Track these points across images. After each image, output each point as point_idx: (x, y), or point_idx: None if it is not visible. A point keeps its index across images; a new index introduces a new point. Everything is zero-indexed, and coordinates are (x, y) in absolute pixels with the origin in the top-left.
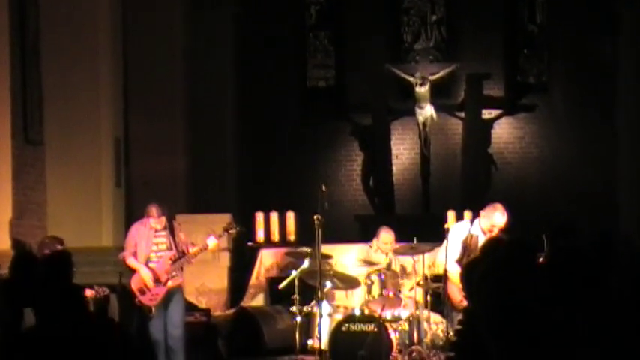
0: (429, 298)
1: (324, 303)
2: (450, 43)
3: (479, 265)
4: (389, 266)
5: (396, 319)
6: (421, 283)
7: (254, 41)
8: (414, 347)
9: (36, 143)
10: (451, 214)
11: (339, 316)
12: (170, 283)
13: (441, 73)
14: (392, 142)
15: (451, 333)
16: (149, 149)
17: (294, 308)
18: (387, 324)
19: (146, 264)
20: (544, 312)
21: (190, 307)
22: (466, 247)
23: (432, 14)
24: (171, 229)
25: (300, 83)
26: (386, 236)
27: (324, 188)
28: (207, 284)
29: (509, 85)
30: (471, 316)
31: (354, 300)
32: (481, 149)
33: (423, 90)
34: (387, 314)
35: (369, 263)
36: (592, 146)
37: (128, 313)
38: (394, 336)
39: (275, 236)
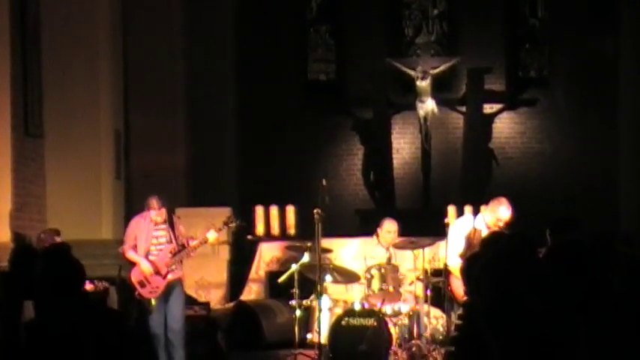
0: (429, 292)
1: (324, 297)
2: (451, 37)
3: (479, 259)
4: (389, 261)
5: (396, 314)
6: (421, 277)
7: (255, 34)
8: (413, 342)
9: (36, 136)
10: (451, 209)
11: (338, 311)
12: (170, 277)
13: (442, 68)
14: (392, 137)
15: (452, 328)
16: (149, 142)
17: (293, 302)
18: (387, 318)
19: (146, 257)
20: (544, 306)
21: (190, 301)
22: (469, 241)
23: (433, 8)
24: (170, 223)
25: (300, 77)
26: (389, 225)
27: (324, 182)
28: (206, 278)
29: (510, 79)
30: (471, 310)
31: (353, 294)
32: (482, 144)
33: (424, 84)
34: (387, 309)
35: (367, 259)
36: (593, 140)
37: (127, 307)
38: (394, 330)
39: (275, 230)
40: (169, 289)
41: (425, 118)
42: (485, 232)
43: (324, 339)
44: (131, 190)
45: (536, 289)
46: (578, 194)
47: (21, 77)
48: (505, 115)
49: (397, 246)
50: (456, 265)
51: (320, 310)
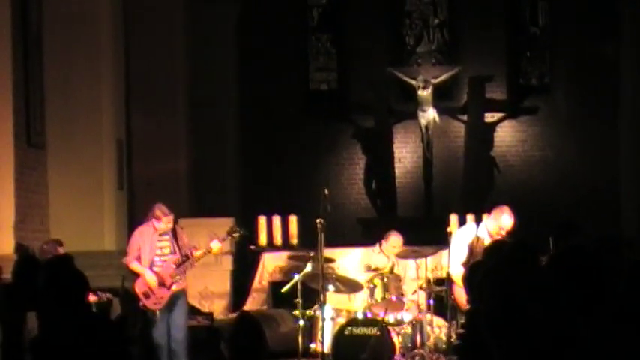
0: (431, 301)
1: (327, 306)
2: (452, 46)
3: (482, 268)
4: (391, 270)
5: (399, 323)
6: (424, 286)
7: (256, 44)
8: (416, 351)
9: (38, 146)
10: (454, 217)
11: (341, 320)
12: (174, 287)
13: (443, 77)
14: (394, 145)
15: (454, 336)
16: (151, 152)
17: (296, 312)
18: (390, 327)
19: (150, 268)
20: (546, 313)
21: (193, 311)
22: (472, 250)
23: (434, 17)
24: (174, 233)
25: (302, 86)
26: (395, 240)
27: (326, 191)
28: (209, 288)
29: (511, 87)
30: (474, 318)
31: (356, 303)
32: (484, 152)
33: (425, 93)
34: (390, 317)
35: (374, 269)
36: (594, 147)
37: (131, 317)
38: (397, 339)
39: (277, 240)
40: (173, 299)
41: (426, 127)
42: (487, 241)
43: (327, 348)
44: (134, 199)
45: (538, 297)
46: (580, 200)
47: (23, 87)
48: (506, 123)
49: (400, 255)
50: (458, 273)
51: (323, 320)
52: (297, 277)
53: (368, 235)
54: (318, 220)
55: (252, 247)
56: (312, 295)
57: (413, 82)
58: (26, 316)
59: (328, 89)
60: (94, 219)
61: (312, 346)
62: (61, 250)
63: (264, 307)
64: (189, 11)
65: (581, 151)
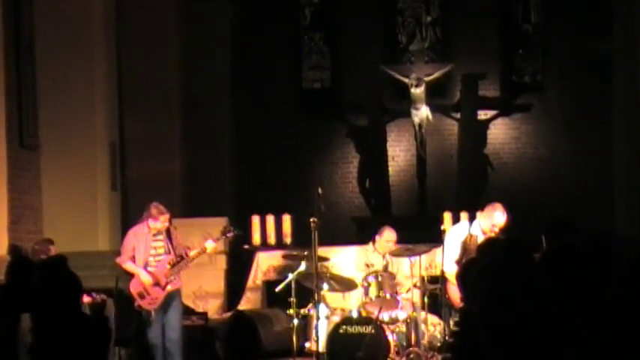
0: (426, 299)
1: (321, 305)
2: (444, 44)
3: (475, 265)
4: (385, 268)
5: (394, 321)
6: (418, 284)
7: (249, 43)
8: (411, 349)
9: (31, 148)
10: (447, 215)
11: (336, 319)
12: (169, 288)
13: (436, 74)
14: (388, 144)
15: (448, 334)
16: (145, 153)
17: (291, 311)
18: (385, 326)
19: (144, 268)
20: (539, 311)
21: (187, 311)
22: (466, 247)
23: (426, 15)
24: (168, 233)
25: (295, 85)
26: (389, 234)
27: (320, 190)
28: (204, 288)
29: (504, 84)
30: (467, 316)
31: (351, 302)
32: (477, 150)
33: (418, 91)
34: (385, 316)
35: (368, 267)
36: (588, 144)
37: (125, 318)
38: (391, 338)
39: (271, 239)
40: (168, 299)
41: (420, 125)
42: (481, 238)
43: (322, 347)
44: (127, 200)
45: (531, 295)
46: (573, 198)
47: (15, 89)
48: (500, 120)
49: (394, 253)
50: (452, 271)
51: (318, 319)
52: (291, 276)
53: (362, 233)
54: (312, 219)
55: (246, 246)
56: (306, 294)
57: (406, 80)
58: (20, 318)
59: (321, 88)
60: (87, 220)
61: (307, 345)
62: (53, 250)
63: (259, 307)
64: (183, 12)
65: (575, 148)
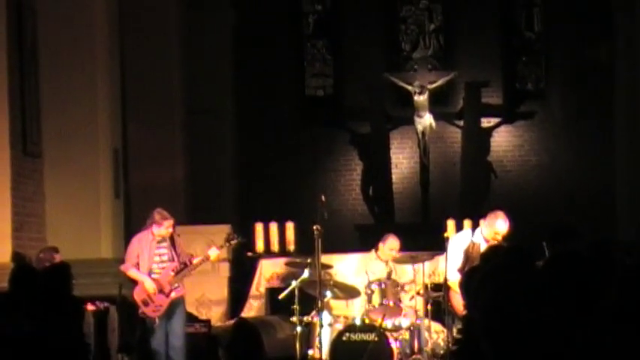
0: (429, 307)
1: (325, 313)
2: (447, 52)
3: (478, 273)
4: (389, 275)
5: (397, 329)
6: (421, 292)
7: (252, 50)
8: (414, 356)
9: (34, 155)
10: (451, 223)
11: (339, 326)
12: (173, 295)
13: (439, 82)
14: (391, 151)
15: (451, 342)
16: (148, 160)
17: (294, 318)
18: (388, 333)
19: (148, 275)
20: (541, 319)
21: (191, 318)
22: (468, 255)
23: (429, 23)
24: (172, 241)
25: (298, 92)
26: (393, 242)
27: (323, 198)
28: (207, 295)
29: (507, 92)
30: (470, 324)
31: (354, 309)
32: (480, 157)
33: (421, 99)
34: (388, 323)
35: (367, 274)
36: (590, 151)
37: (128, 325)
38: (395, 345)
39: (275, 246)
40: (172, 307)
41: (423, 133)
42: (483, 246)
43: (325, 355)
44: (130, 208)
45: (533, 301)
46: (576, 205)
47: (19, 95)
48: (503, 127)
49: (397, 261)
50: (455, 279)
51: (321, 326)
52: (294, 283)
53: (365, 241)
54: (315, 227)
55: (250, 253)
56: (309, 301)
57: (409, 87)
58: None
59: (324, 95)
60: (90, 227)
61: (310, 352)
62: (58, 258)
63: (262, 314)
64: (185, 20)
65: (578, 155)
